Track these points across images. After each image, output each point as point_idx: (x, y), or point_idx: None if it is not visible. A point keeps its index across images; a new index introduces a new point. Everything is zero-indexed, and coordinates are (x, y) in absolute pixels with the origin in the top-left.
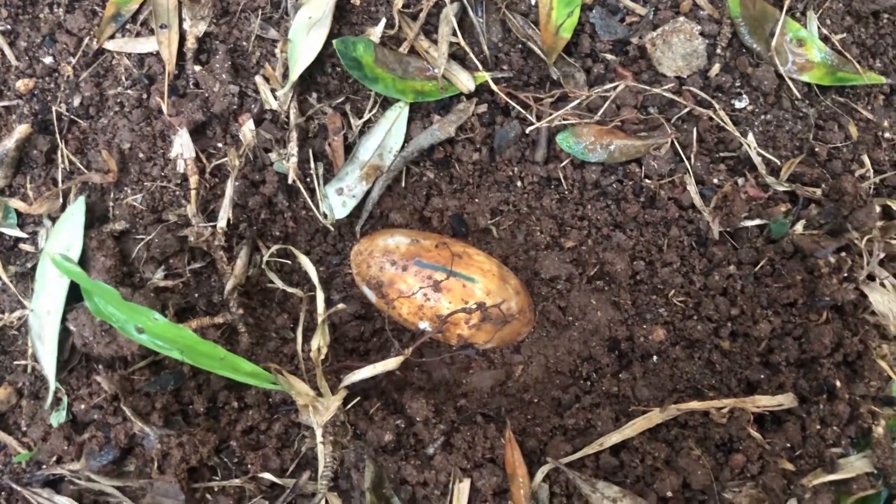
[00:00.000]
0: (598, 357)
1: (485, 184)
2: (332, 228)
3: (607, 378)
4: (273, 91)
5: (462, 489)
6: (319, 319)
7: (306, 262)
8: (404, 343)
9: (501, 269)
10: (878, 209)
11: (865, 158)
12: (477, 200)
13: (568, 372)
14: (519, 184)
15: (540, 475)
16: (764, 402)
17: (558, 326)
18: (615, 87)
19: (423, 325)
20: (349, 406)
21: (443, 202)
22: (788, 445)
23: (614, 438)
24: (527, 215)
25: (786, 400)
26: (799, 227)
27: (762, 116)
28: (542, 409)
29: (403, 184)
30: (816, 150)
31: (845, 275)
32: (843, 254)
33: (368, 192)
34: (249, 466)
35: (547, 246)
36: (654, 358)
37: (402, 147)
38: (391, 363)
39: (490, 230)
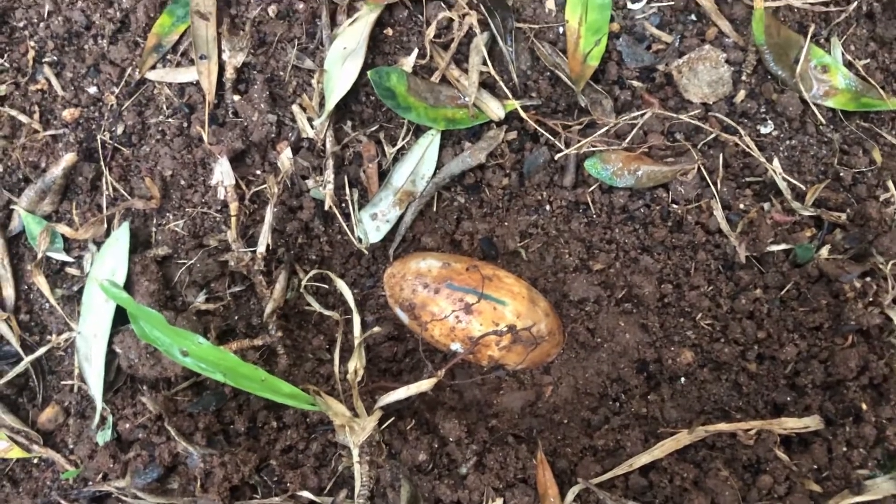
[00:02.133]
0: (626, 378)
1: (514, 208)
2: (366, 252)
3: (636, 399)
4: (310, 120)
5: None
6: (356, 342)
7: (342, 286)
8: (437, 364)
9: (531, 291)
10: None
11: (890, 184)
12: (506, 224)
13: (597, 393)
14: (548, 207)
15: (571, 495)
16: (790, 424)
17: (587, 348)
18: (642, 115)
19: (455, 346)
20: (384, 426)
21: (473, 226)
22: (815, 467)
23: (643, 459)
24: (555, 238)
25: (812, 422)
26: (824, 252)
27: (787, 142)
28: (571, 430)
29: (435, 208)
30: (841, 175)
31: (870, 299)
32: (868, 279)
33: (401, 217)
34: (289, 485)
35: (575, 269)
36: (682, 380)
37: (434, 173)
38: (425, 384)
39: (519, 253)
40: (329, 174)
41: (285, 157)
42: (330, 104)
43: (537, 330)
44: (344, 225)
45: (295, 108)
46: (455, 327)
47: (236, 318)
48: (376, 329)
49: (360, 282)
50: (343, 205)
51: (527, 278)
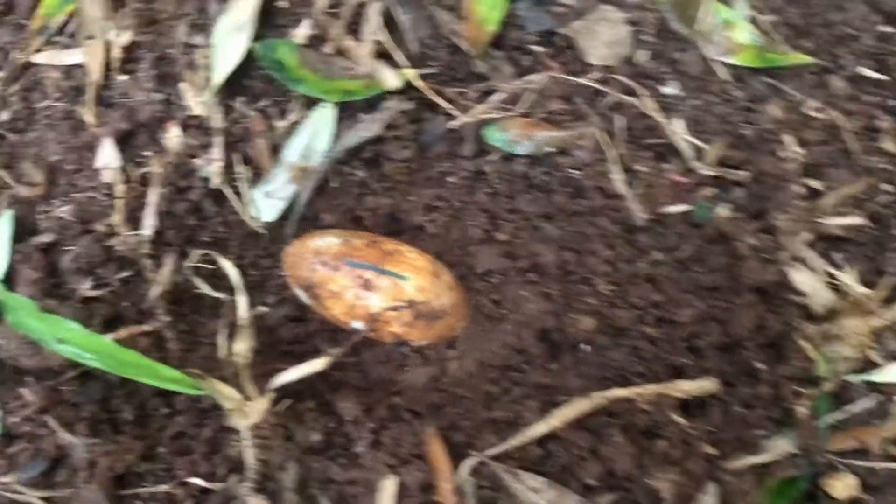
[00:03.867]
0: (529, 348)
1: (417, 181)
2: (263, 232)
3: (537, 369)
4: (198, 98)
5: (388, 486)
6: (241, 322)
7: (227, 266)
8: (340, 343)
9: (434, 265)
10: (801, 189)
11: (789, 139)
12: (410, 198)
13: (500, 365)
14: (451, 179)
15: (465, 469)
16: (686, 387)
17: (492, 320)
18: (539, 79)
19: (357, 324)
20: (280, 408)
21: (375, 201)
22: (712, 430)
23: (540, 429)
24: (461, 210)
25: (708, 384)
26: (724, 212)
27: (690, 101)
28: (472, 404)
29: (333, 184)
30: (745, 133)
31: (766, 256)
32: (765, 235)
33: (297, 194)
34: (178, 472)
35: (481, 240)
36: (584, 347)
37: (330, 147)
38: (318, 364)
39: (424, 227)
40: (217, 151)
41: (173, 137)
42: (216, 80)
43: (440, 303)
44: (236, 204)
45: (182, 85)
46: (355, 304)
47: (125, 304)
48: (263, 308)
49: (258, 263)
50: (237, 184)
51: (432, 252)
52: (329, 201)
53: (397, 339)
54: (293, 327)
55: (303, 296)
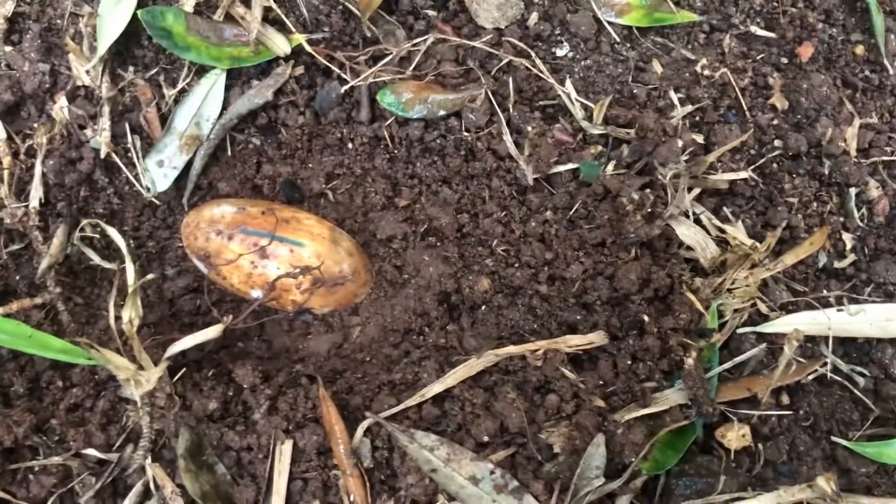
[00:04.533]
0: (429, 311)
1: (315, 148)
2: (158, 202)
3: (436, 331)
4: (85, 67)
5: (284, 450)
6: (130, 290)
7: (114, 234)
8: (234, 312)
9: (333, 231)
10: (682, 144)
11: (672, 94)
12: (310, 165)
13: (402, 329)
14: (350, 146)
15: (360, 430)
16: (575, 341)
17: (395, 286)
18: (426, 41)
19: (256, 293)
20: (177, 378)
21: (274, 169)
22: (601, 383)
23: (436, 389)
24: (362, 177)
25: (596, 338)
26: (610, 169)
27: (582, 62)
28: (373, 367)
29: (230, 152)
30: (635, 91)
31: (650, 211)
32: (648, 190)
33: (190, 163)
34: (72, 444)
35: (382, 206)
36: (482, 308)
37: (221, 115)
38: (211, 332)
39: (326, 194)
40: (105, 121)
41: (60, 107)
42: (101, 48)
43: (340, 270)
44: (129, 174)
45: (70, 55)
46: (252, 273)
47: (18, 277)
48: (149, 276)
49: (156, 234)
50: (128, 154)
51: (334, 220)
52: (226, 170)
53: (298, 307)
54: (193, 298)
55: (201, 266)
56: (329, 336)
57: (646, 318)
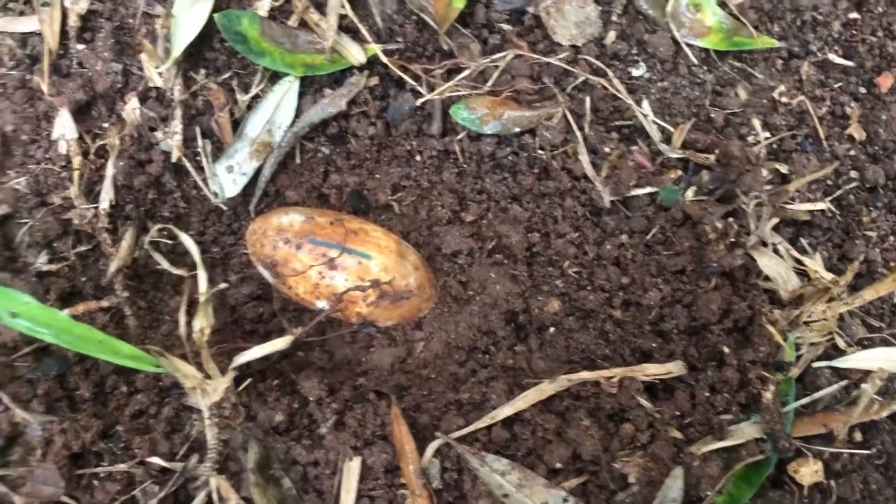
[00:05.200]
0: (496, 330)
1: (384, 159)
2: (225, 208)
3: (503, 351)
4: (158, 69)
5: (352, 467)
6: (202, 299)
7: (188, 241)
8: (300, 322)
9: (400, 244)
10: (765, 173)
11: (756, 122)
12: (377, 176)
13: (467, 346)
14: (418, 158)
15: (430, 450)
16: (653, 370)
17: (459, 301)
18: (505, 57)
19: (321, 303)
20: (242, 388)
21: (341, 178)
22: (678, 413)
23: (506, 411)
24: (428, 190)
25: (675, 368)
26: (690, 194)
27: (659, 83)
28: (438, 385)
29: (299, 160)
30: (713, 116)
31: (733, 240)
32: (731, 219)
33: (260, 170)
34: (137, 451)
35: (448, 221)
36: (551, 329)
37: (293, 122)
38: (280, 343)
39: (392, 206)
40: (176, 124)
41: (131, 108)
42: (176, 51)
43: (406, 284)
44: (197, 179)
45: (143, 56)
46: (319, 284)
47: (84, 278)
48: (223, 285)
49: (221, 240)
50: (197, 158)
51: (399, 232)
52: (293, 178)
53: (363, 320)
54: (256, 306)
55: (266, 274)
56: (392, 350)
57: (726, 349)
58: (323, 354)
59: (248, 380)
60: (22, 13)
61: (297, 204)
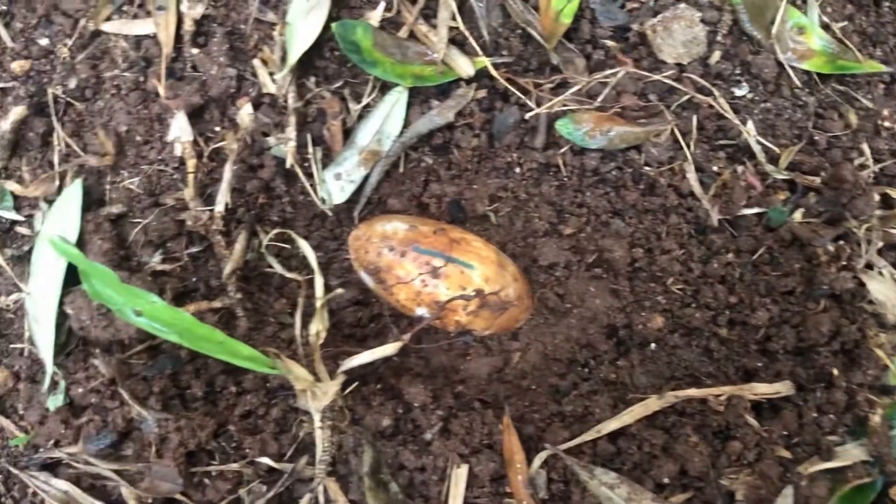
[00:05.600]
0: (596, 344)
1: (483, 170)
2: (329, 213)
3: (605, 365)
4: (271, 75)
5: (460, 475)
6: (318, 304)
7: (305, 247)
8: (402, 329)
9: (499, 255)
10: (876, 198)
11: (865, 147)
12: (475, 186)
13: (566, 359)
14: (518, 170)
15: (538, 461)
16: (761, 389)
17: (556, 313)
18: (615, 74)
19: (421, 311)
20: (347, 391)
21: (441, 188)
22: (785, 433)
23: (612, 425)
24: (525, 202)
25: (783, 388)
26: (797, 216)
27: (762, 104)
28: (539, 396)
29: (401, 169)
30: (816, 138)
31: (843, 263)
32: (842, 242)
33: (367, 178)
34: (247, 451)
35: (545, 233)
36: (652, 345)
37: (401, 132)
38: (389, 349)
39: (488, 216)
40: (291, 131)
41: (245, 113)
42: (292, 58)
43: (505, 295)
44: (307, 185)
45: (256, 62)
46: (421, 291)
47: (194, 279)
48: (339, 291)
49: (323, 244)
50: (306, 164)
51: (495, 242)
52: (395, 186)
53: (460, 328)
54: (356, 311)
55: (367, 280)
56: (489, 359)
57: (835, 371)
58: (419, 361)
59: (355, 384)
60: (135, 16)
61: (398, 212)
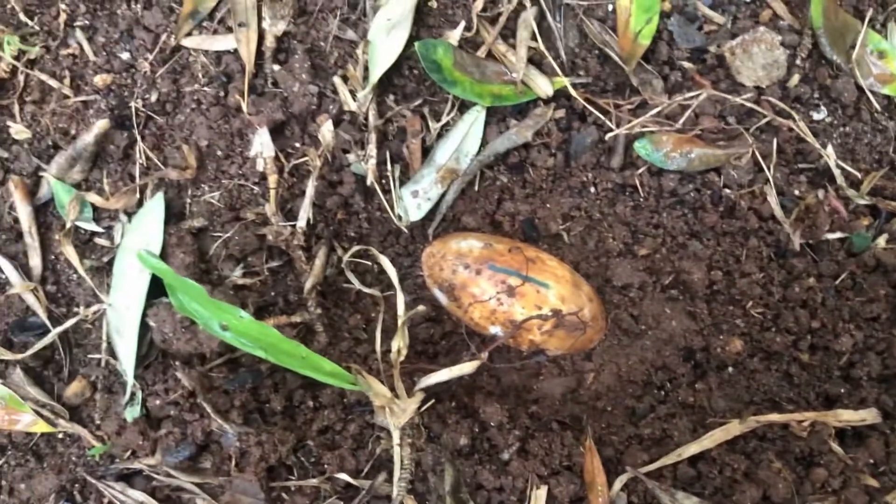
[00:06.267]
0: (672, 367)
1: (557, 189)
2: (405, 231)
3: (682, 388)
4: (352, 92)
5: (539, 496)
6: (400, 321)
7: (386, 263)
8: (476, 347)
9: (574, 275)
10: None
11: None
12: (549, 205)
13: (641, 381)
14: (592, 190)
15: (619, 484)
16: (846, 416)
17: (630, 335)
18: (697, 96)
19: (495, 329)
20: (423, 409)
21: (515, 206)
22: (871, 461)
23: (693, 449)
24: (599, 221)
25: (869, 415)
26: (881, 241)
27: (841, 129)
28: (616, 418)
29: (476, 187)
30: None
31: None
32: None
33: (443, 196)
34: (326, 467)
35: (619, 253)
36: (731, 369)
37: (479, 151)
38: (467, 367)
39: (561, 236)
40: (372, 149)
41: (326, 130)
42: (374, 76)
43: (582, 315)
44: (384, 202)
45: (337, 79)
46: (496, 310)
47: (273, 293)
48: (420, 308)
49: (398, 261)
50: (384, 181)
51: (569, 262)
52: (469, 204)
53: (534, 348)
54: (428, 327)
55: (441, 297)
56: (562, 380)
57: None
58: (491, 379)
59: (431, 401)
60: (216, 32)
61: (471, 229)
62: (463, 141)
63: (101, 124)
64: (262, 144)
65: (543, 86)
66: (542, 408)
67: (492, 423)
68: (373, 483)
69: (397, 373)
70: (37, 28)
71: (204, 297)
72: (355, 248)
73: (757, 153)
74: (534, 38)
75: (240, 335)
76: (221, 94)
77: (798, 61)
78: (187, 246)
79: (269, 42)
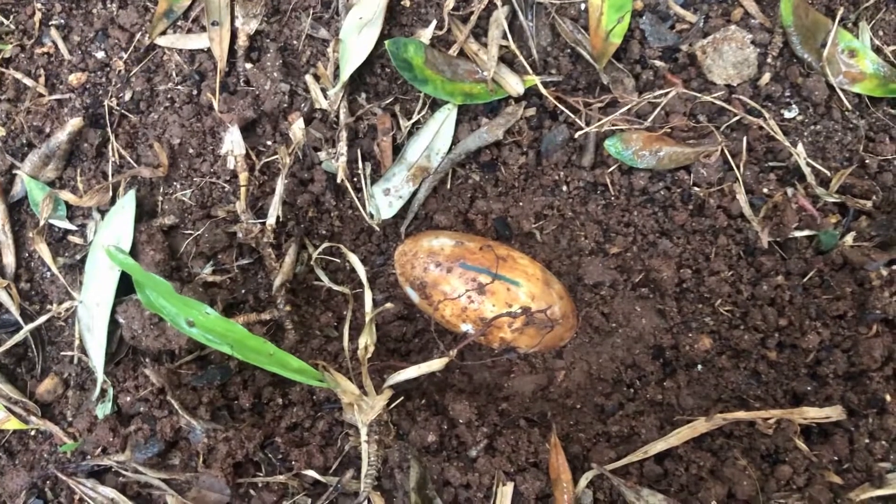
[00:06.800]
0: (641, 364)
1: (530, 187)
2: (377, 228)
3: (651, 386)
4: (323, 90)
5: (505, 492)
6: (367, 318)
7: (355, 261)
8: (446, 344)
9: (545, 273)
10: None
11: None
12: (521, 204)
13: (611, 378)
14: (564, 188)
15: (584, 481)
16: (812, 413)
17: (601, 333)
18: (666, 94)
19: (466, 327)
20: (392, 406)
21: (487, 205)
22: (836, 458)
23: (659, 446)
24: (571, 220)
25: (834, 412)
26: (849, 239)
27: (812, 127)
28: (584, 415)
29: (448, 186)
30: (867, 161)
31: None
32: (895, 267)
33: (414, 194)
34: (293, 463)
35: (591, 252)
36: (699, 367)
37: (450, 149)
38: (436, 364)
39: (533, 234)
40: (342, 146)
41: (297, 128)
42: (345, 74)
43: (551, 313)
44: (356, 200)
45: (308, 77)
46: (467, 308)
47: (243, 291)
48: (388, 305)
49: (370, 259)
50: (355, 179)
51: (541, 260)
52: (442, 202)
53: (504, 345)
54: (400, 325)
55: (413, 295)
56: (533, 377)
57: (887, 396)
58: (462, 377)
59: (400, 398)
60: (190, 31)
61: (444, 228)
62: (434, 139)
63: (74, 122)
64: (232, 142)
65: (514, 84)
66: (511, 405)
67: (460, 421)
68: (340, 479)
69: (365, 370)
70: (12, 27)
71: (171, 293)
72: (324, 245)
73: (726, 151)
74: (505, 36)
75: (206, 331)
76: (194, 92)
77: (769, 60)
78: (158, 243)
79: (242, 41)
